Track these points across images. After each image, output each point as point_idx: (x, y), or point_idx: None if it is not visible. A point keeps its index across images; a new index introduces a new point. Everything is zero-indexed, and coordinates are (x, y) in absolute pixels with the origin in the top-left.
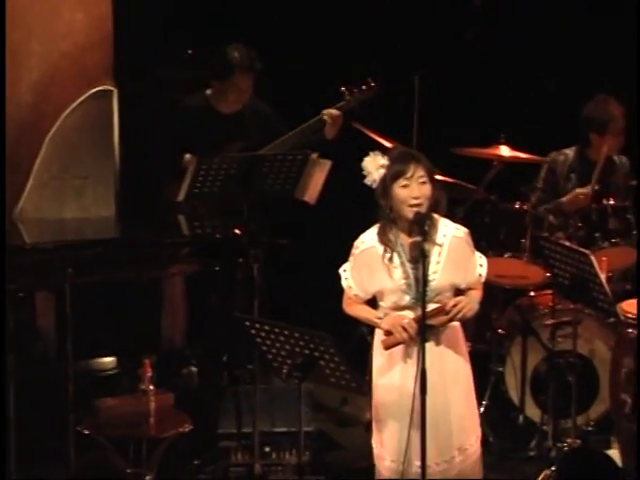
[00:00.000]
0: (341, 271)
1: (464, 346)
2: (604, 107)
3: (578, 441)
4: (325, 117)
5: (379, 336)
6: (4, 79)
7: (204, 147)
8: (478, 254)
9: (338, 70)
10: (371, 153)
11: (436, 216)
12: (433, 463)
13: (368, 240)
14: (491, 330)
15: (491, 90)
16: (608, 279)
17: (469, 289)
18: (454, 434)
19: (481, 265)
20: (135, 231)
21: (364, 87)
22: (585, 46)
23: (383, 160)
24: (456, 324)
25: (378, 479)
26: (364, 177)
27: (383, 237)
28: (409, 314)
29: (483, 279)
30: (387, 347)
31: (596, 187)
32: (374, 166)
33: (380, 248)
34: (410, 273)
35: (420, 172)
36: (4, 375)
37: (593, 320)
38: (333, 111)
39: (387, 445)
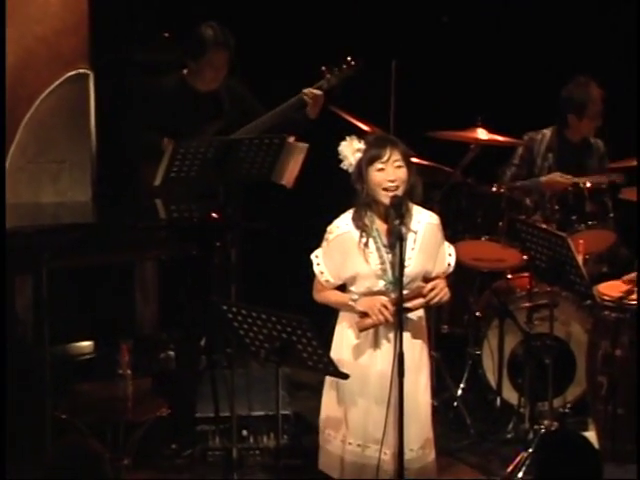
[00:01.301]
0: (313, 257)
1: (426, 336)
2: (584, 89)
3: (555, 423)
4: (305, 97)
5: (343, 321)
6: (4, 79)
7: (182, 127)
8: (447, 243)
9: (317, 50)
10: (347, 137)
11: (410, 203)
12: (407, 450)
13: (343, 225)
14: (468, 313)
15: (468, 73)
16: (585, 262)
17: (439, 277)
18: (422, 422)
19: (450, 254)
20: (112, 215)
21: (344, 66)
22: (562, 28)
23: (359, 144)
24: (422, 315)
25: (327, 460)
26: (340, 161)
27: (358, 222)
28: (383, 299)
29: (451, 269)
30: (362, 329)
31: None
32: (350, 150)
33: (355, 233)
34: (385, 258)
35: (396, 156)
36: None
37: (570, 303)
38: (314, 90)
39: (352, 427)
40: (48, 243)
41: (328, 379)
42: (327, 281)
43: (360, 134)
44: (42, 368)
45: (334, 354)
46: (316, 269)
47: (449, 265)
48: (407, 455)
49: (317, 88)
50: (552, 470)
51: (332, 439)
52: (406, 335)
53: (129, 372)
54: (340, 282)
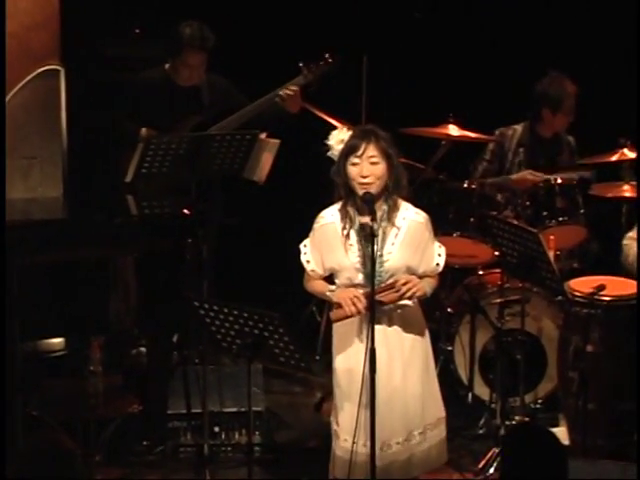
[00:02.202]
0: (301, 246)
1: (423, 327)
2: (560, 84)
3: (526, 419)
4: (280, 98)
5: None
6: (4, 79)
7: (161, 120)
8: (438, 244)
9: (292, 46)
10: (339, 127)
11: (398, 198)
12: (394, 443)
13: (328, 216)
14: (440, 309)
15: (439, 70)
16: (556, 257)
17: (426, 276)
18: (410, 415)
19: (440, 255)
20: (83, 212)
21: (322, 62)
22: (533, 25)
23: (345, 135)
24: (413, 305)
25: (334, 456)
26: (326, 151)
27: (344, 213)
28: (356, 292)
29: (440, 269)
30: (336, 319)
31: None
32: (336, 140)
33: (339, 225)
34: (365, 251)
35: (371, 152)
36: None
37: (541, 298)
38: (287, 91)
39: (342, 424)
40: (18, 239)
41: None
42: (313, 271)
43: (332, 130)
44: (12, 365)
45: (333, 359)
46: (303, 259)
47: (437, 265)
48: (393, 448)
49: (295, 84)
50: (517, 464)
51: (334, 436)
52: (391, 328)
53: (100, 369)
54: (326, 273)
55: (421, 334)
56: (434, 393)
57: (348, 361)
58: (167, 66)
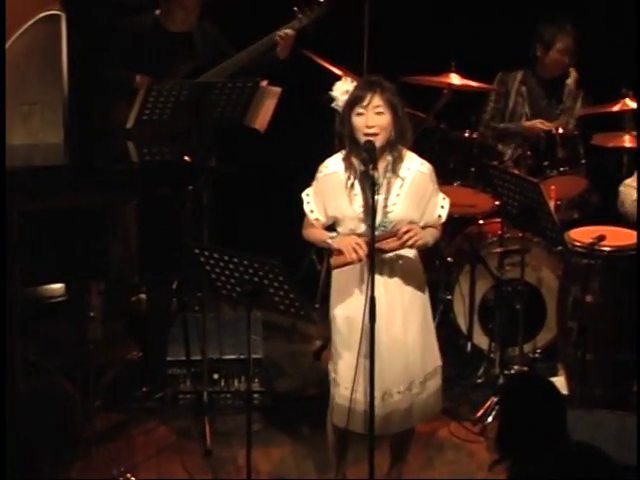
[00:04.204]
0: (304, 195)
1: (422, 281)
2: (556, 24)
3: (525, 368)
4: (278, 37)
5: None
6: (4, 81)
7: (154, 66)
8: (442, 195)
9: None
10: (343, 78)
11: (403, 149)
12: (395, 392)
13: (332, 165)
14: (440, 258)
15: (442, 18)
16: (556, 208)
17: (428, 226)
18: (411, 364)
19: (442, 207)
20: (84, 158)
21: (315, 5)
22: None
23: (349, 85)
24: (414, 257)
25: (332, 404)
26: (330, 102)
27: (348, 163)
28: (358, 239)
29: (442, 220)
30: (336, 266)
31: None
32: (340, 91)
33: (343, 174)
34: (369, 201)
35: (377, 102)
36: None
37: (541, 248)
38: (287, 31)
39: (341, 373)
40: (18, 185)
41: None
42: (317, 219)
43: (334, 78)
44: (12, 309)
45: (331, 306)
46: (306, 207)
47: (439, 217)
48: (394, 397)
49: (289, 28)
50: (516, 413)
51: (333, 384)
52: (392, 279)
53: (100, 315)
54: (330, 221)
55: (420, 287)
56: (432, 343)
57: (348, 309)
58: (158, 12)
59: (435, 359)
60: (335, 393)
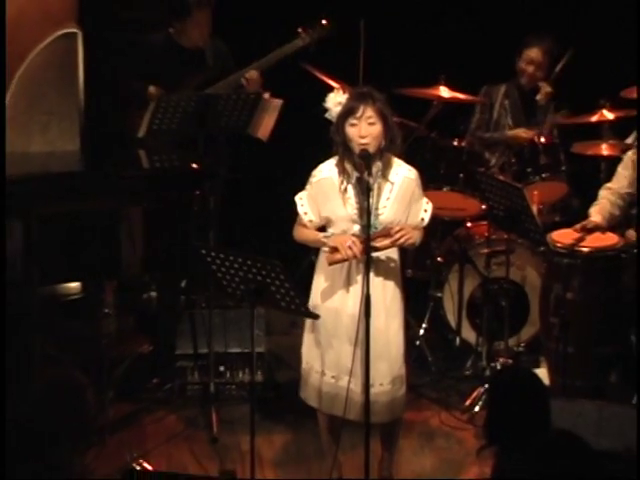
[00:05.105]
0: (297, 199)
1: (401, 279)
2: (531, 38)
3: (510, 361)
4: (244, 80)
5: (323, 260)
6: (4, 80)
7: (168, 81)
8: (426, 200)
9: (293, 11)
10: (335, 90)
11: (391, 156)
12: (377, 383)
13: (326, 170)
14: (431, 258)
15: (432, 35)
16: (539, 211)
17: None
18: (392, 360)
19: (425, 210)
20: (98, 164)
21: (318, 26)
22: None
23: (342, 97)
24: (396, 258)
25: (304, 383)
26: (324, 112)
27: (341, 169)
28: (352, 237)
29: (425, 223)
30: (331, 263)
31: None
32: (333, 102)
33: (337, 179)
34: (361, 204)
35: (369, 113)
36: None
37: (525, 249)
38: (252, 72)
39: (328, 362)
40: (37, 190)
41: (307, 322)
42: (310, 221)
43: (330, 90)
44: (31, 307)
45: (312, 299)
46: (300, 210)
47: (422, 220)
48: (376, 389)
49: (293, 47)
50: (502, 403)
51: (313, 372)
52: (377, 278)
53: (113, 311)
54: (322, 222)
55: (400, 287)
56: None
57: (333, 302)
58: (171, 30)
59: (403, 363)
60: (308, 375)
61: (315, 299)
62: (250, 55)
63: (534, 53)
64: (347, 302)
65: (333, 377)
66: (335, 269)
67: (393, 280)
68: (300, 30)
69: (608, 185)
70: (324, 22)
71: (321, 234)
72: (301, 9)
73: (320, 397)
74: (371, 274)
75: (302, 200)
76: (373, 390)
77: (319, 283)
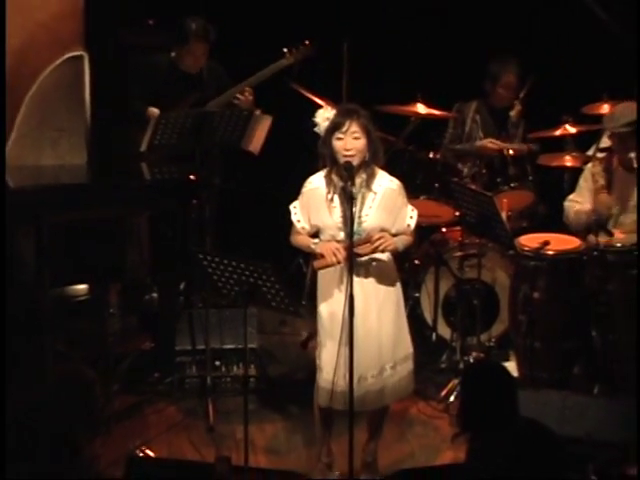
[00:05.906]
0: (291, 207)
1: (395, 279)
2: (500, 62)
3: (482, 355)
4: (236, 100)
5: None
6: (4, 79)
7: (168, 100)
8: (411, 207)
9: (279, 33)
10: (324, 106)
11: (375, 167)
12: (369, 376)
13: (315, 181)
14: (409, 261)
15: (410, 56)
16: (508, 218)
17: (400, 234)
18: (383, 352)
19: (411, 217)
20: (104, 177)
21: (302, 47)
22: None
23: (329, 113)
24: (387, 260)
25: (317, 387)
26: (313, 126)
27: (329, 180)
28: (337, 244)
29: (411, 228)
30: (318, 268)
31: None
32: (322, 118)
33: (324, 189)
34: (346, 213)
35: (354, 128)
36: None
37: (495, 252)
38: (247, 88)
39: (324, 360)
40: (49, 200)
41: (320, 330)
42: (303, 228)
43: (317, 108)
44: (42, 307)
45: (317, 302)
46: (293, 218)
47: (409, 225)
48: (368, 380)
49: (278, 67)
50: (475, 393)
51: (317, 370)
52: (371, 280)
53: (118, 311)
54: (313, 230)
55: (393, 285)
56: (404, 333)
57: (331, 306)
58: (173, 54)
59: (406, 347)
60: (319, 378)
61: (318, 304)
62: (240, 74)
63: (511, 78)
64: (341, 302)
65: (328, 373)
66: (331, 275)
67: (385, 279)
68: (285, 50)
69: (570, 197)
70: (307, 43)
71: (312, 241)
72: (286, 32)
73: (317, 392)
74: (362, 277)
75: (295, 209)
76: (366, 382)
77: (320, 287)
